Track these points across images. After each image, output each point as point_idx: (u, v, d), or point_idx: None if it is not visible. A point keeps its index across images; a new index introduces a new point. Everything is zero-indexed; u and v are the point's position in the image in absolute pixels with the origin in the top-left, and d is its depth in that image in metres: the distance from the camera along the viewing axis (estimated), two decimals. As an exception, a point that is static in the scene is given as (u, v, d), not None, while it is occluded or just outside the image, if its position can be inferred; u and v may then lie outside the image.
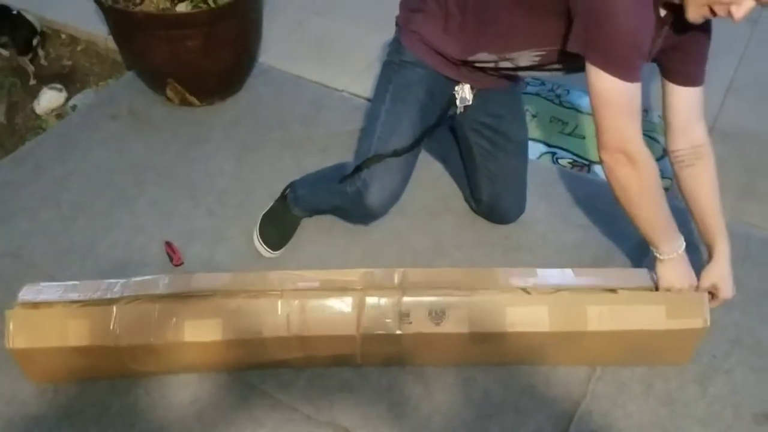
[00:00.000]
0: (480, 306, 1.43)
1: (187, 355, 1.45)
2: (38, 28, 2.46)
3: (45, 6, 2.65)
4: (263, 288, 1.44)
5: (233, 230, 1.86)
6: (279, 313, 1.41)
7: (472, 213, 1.91)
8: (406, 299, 1.42)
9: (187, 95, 2.21)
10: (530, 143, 1.86)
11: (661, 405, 1.48)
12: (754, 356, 1.57)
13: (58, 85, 2.36)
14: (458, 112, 1.66)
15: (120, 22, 2.11)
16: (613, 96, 1.26)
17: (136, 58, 2.22)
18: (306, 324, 1.41)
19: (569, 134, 2.21)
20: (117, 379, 1.50)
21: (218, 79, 2.23)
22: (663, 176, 1.99)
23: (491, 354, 1.50)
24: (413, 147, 1.57)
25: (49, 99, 2.32)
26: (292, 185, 1.81)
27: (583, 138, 2.19)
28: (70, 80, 2.44)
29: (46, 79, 2.43)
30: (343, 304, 1.42)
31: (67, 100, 2.35)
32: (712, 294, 1.47)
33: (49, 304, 1.44)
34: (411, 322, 1.41)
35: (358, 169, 1.55)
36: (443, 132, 1.90)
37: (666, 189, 1.97)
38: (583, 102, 2.30)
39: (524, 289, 1.44)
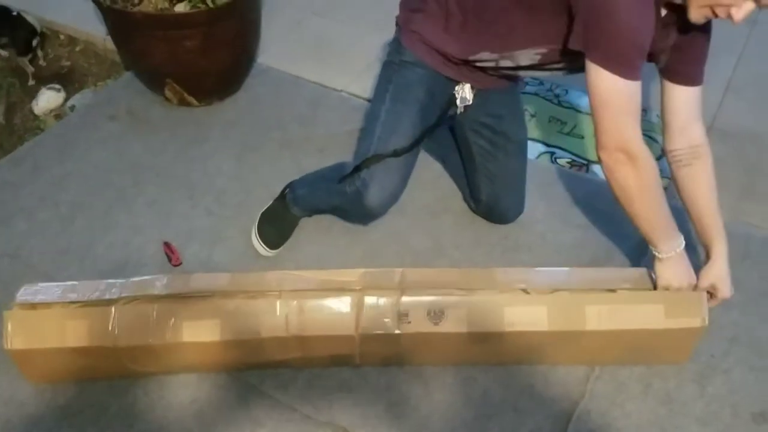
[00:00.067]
0: (479, 306, 1.43)
1: (186, 355, 1.45)
2: (38, 29, 2.46)
3: (44, 7, 2.65)
4: (262, 288, 1.44)
5: (232, 230, 1.86)
6: (277, 313, 1.41)
7: (471, 213, 1.91)
8: (404, 299, 1.42)
9: (186, 95, 2.21)
10: (529, 143, 1.86)
11: (659, 404, 1.48)
12: (753, 355, 1.57)
13: (57, 86, 2.36)
14: (458, 112, 1.66)
15: (118, 22, 2.11)
16: (613, 95, 1.26)
17: (134, 58, 2.22)
18: (304, 324, 1.41)
19: (568, 134, 2.21)
20: (115, 379, 1.50)
21: (217, 79, 2.23)
22: (663, 176, 2.00)
23: (490, 354, 1.50)
24: (413, 147, 1.57)
25: (47, 99, 2.32)
26: (291, 185, 1.81)
27: (582, 138, 2.19)
28: (68, 81, 2.44)
29: (44, 79, 2.43)
30: (341, 304, 1.42)
31: (66, 100, 2.35)
32: (711, 294, 1.47)
33: (47, 304, 1.43)
34: (410, 322, 1.41)
35: (357, 169, 1.55)
36: (442, 132, 1.90)
37: (664, 188, 1.98)
38: (582, 102, 2.30)
39: (523, 289, 1.44)
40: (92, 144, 2.14)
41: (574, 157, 2.12)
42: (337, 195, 1.62)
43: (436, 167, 2.03)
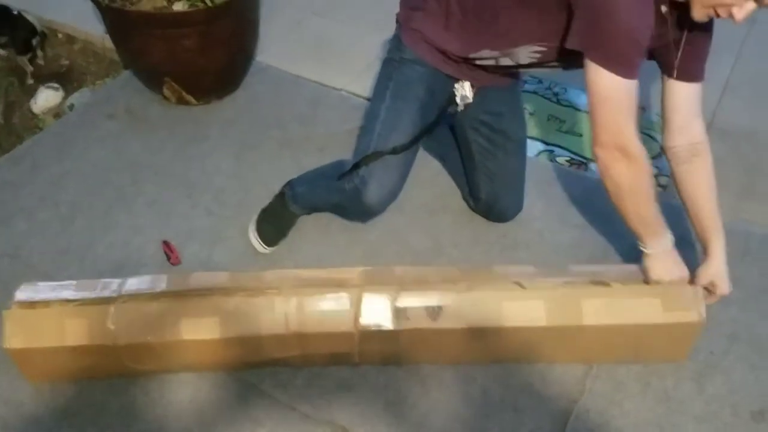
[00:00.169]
0: (476, 301, 1.43)
1: (185, 353, 1.45)
2: (38, 29, 2.46)
3: (44, 6, 2.65)
4: (261, 286, 1.44)
5: (231, 230, 1.86)
6: (277, 310, 1.41)
7: (469, 211, 1.91)
8: (403, 296, 1.42)
9: (184, 94, 2.20)
10: (528, 141, 1.86)
11: (658, 403, 1.48)
12: (753, 353, 1.58)
13: (55, 85, 2.36)
14: (458, 110, 1.66)
15: (117, 21, 2.11)
16: (611, 93, 1.27)
17: (132, 57, 2.22)
18: (304, 321, 1.41)
19: (567, 132, 2.21)
20: (115, 378, 1.50)
21: (215, 78, 2.23)
22: (662, 174, 2.01)
23: (488, 351, 1.50)
24: (412, 145, 1.57)
25: (46, 98, 2.32)
26: (290, 183, 1.81)
27: (581, 136, 2.19)
28: (67, 79, 2.44)
29: (43, 78, 2.43)
30: (340, 302, 1.42)
31: (64, 99, 2.35)
32: (710, 291, 1.47)
33: (45, 303, 1.44)
34: (408, 319, 1.42)
35: (356, 166, 1.55)
36: (442, 130, 1.90)
37: (664, 187, 1.99)
38: (581, 100, 2.30)
39: (519, 284, 1.44)
40: (91, 143, 2.14)
41: (572, 156, 2.12)
42: (336, 192, 1.62)
43: (435, 165, 2.03)
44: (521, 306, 1.44)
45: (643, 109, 2.25)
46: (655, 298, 1.43)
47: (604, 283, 1.48)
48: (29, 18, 2.45)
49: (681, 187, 1.50)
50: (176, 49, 2.05)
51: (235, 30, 2.15)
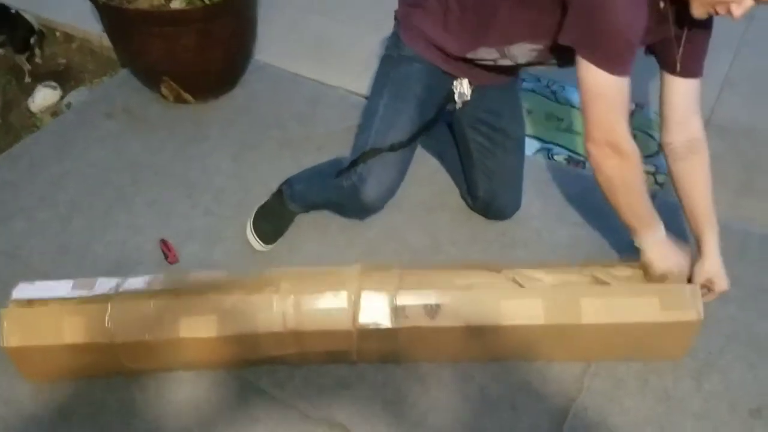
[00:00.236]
0: (475, 299, 1.43)
1: (183, 351, 1.45)
2: (36, 28, 2.46)
3: (42, 5, 2.64)
4: (258, 283, 1.44)
5: (231, 230, 1.86)
6: (274, 308, 1.41)
7: (467, 209, 1.91)
8: (401, 294, 1.42)
9: (182, 92, 2.20)
10: (526, 139, 1.87)
11: (656, 400, 1.48)
12: (751, 352, 1.58)
13: (53, 83, 2.36)
14: (457, 107, 1.66)
15: (114, 19, 2.10)
16: (603, 90, 1.27)
17: (130, 55, 2.22)
18: (302, 319, 1.41)
19: (565, 130, 2.20)
20: (113, 377, 1.50)
21: (213, 76, 2.22)
22: (660, 172, 2.01)
23: (487, 349, 1.50)
24: (410, 142, 1.57)
25: (43, 97, 2.32)
26: (288, 181, 1.81)
27: (579, 134, 2.19)
28: (64, 78, 2.44)
29: (40, 76, 2.42)
30: (338, 300, 1.42)
31: (62, 98, 2.34)
32: (708, 288, 1.47)
33: (43, 302, 1.44)
34: (407, 317, 1.42)
35: (354, 163, 1.55)
36: (440, 128, 1.90)
37: (661, 185, 1.98)
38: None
39: (518, 283, 1.44)
40: (89, 142, 2.14)
41: (570, 154, 2.12)
42: (334, 190, 1.62)
43: (433, 163, 2.03)
44: (520, 304, 1.43)
45: (641, 106, 2.25)
46: (654, 297, 1.43)
47: (602, 282, 1.48)
48: (27, 17, 2.45)
49: (677, 184, 1.51)
50: (174, 47, 2.05)
51: (233, 28, 2.15)
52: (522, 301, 1.44)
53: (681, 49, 1.39)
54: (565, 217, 1.90)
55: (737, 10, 1.19)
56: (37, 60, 2.50)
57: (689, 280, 1.49)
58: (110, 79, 2.41)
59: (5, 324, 1.40)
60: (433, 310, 1.42)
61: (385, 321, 1.42)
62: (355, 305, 1.42)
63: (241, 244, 1.81)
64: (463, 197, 1.92)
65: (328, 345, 1.47)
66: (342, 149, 1.92)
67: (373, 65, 1.66)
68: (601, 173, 1.35)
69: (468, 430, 1.44)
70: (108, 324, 1.40)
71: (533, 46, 1.43)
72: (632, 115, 2.22)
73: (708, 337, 1.55)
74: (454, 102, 1.64)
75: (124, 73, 2.38)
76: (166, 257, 1.77)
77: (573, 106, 2.29)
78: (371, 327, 1.42)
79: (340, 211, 1.82)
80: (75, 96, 2.34)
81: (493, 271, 1.51)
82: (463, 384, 1.51)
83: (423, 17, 1.53)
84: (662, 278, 1.44)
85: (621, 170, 1.33)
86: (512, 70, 1.63)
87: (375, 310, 1.42)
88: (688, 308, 1.43)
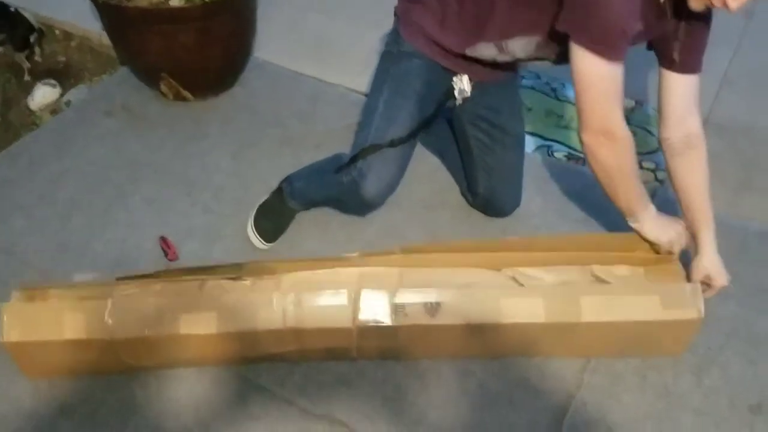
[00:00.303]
0: (475, 298, 1.43)
1: (182, 348, 1.45)
2: (35, 26, 2.46)
3: (41, 3, 2.64)
4: (260, 273, 1.44)
5: (230, 228, 1.86)
6: (274, 305, 1.41)
7: (467, 206, 1.91)
8: (401, 292, 1.42)
9: (181, 90, 2.20)
10: (526, 136, 1.87)
11: (656, 396, 1.49)
12: (751, 348, 1.58)
13: (52, 81, 2.36)
14: (457, 104, 1.66)
15: (114, 17, 2.10)
16: (596, 77, 1.28)
17: (129, 53, 2.22)
18: (302, 317, 1.41)
19: (565, 127, 2.21)
20: (113, 375, 1.50)
21: (212, 74, 2.22)
22: (660, 169, 2.01)
23: (486, 346, 1.50)
24: (410, 138, 1.57)
25: (43, 95, 2.32)
26: (288, 178, 1.81)
27: (579, 131, 2.18)
28: (64, 76, 2.44)
29: (40, 74, 2.42)
30: (338, 297, 1.42)
31: (61, 95, 2.34)
32: (708, 284, 1.47)
33: (44, 297, 1.44)
34: (407, 315, 1.42)
35: (354, 159, 1.55)
36: (440, 125, 1.90)
37: (661, 182, 1.99)
38: (579, 95, 2.30)
39: (517, 281, 1.44)
40: (88, 140, 2.14)
41: (570, 151, 2.12)
42: (335, 186, 1.62)
43: (433, 161, 2.03)
44: (520, 303, 1.43)
45: (640, 103, 2.25)
46: (654, 295, 1.43)
47: (603, 281, 1.48)
48: (26, 15, 2.44)
49: (675, 179, 1.51)
50: (173, 45, 2.05)
51: (232, 26, 2.15)
52: (522, 299, 1.44)
53: (679, 44, 1.39)
54: (564, 214, 1.90)
55: (733, 3, 1.19)
56: (37, 58, 2.50)
57: (688, 279, 1.49)
58: (110, 77, 2.41)
59: (5, 318, 1.40)
60: (433, 308, 1.42)
61: (385, 319, 1.42)
62: (355, 303, 1.42)
63: (240, 242, 1.81)
64: (463, 194, 1.92)
65: (328, 342, 1.47)
66: (342, 147, 1.92)
67: (373, 63, 1.66)
68: (596, 161, 1.36)
69: (467, 426, 1.44)
70: (108, 320, 1.40)
71: (531, 40, 1.43)
72: (632, 111, 2.22)
73: (708, 333, 1.55)
74: (454, 98, 1.64)
75: (123, 71, 2.38)
76: (166, 255, 1.77)
77: (572, 104, 2.25)
78: (371, 324, 1.42)
79: (341, 207, 1.82)
80: (74, 94, 2.34)
81: (493, 269, 1.51)
82: (462, 380, 1.51)
83: (422, 13, 1.54)
84: (669, 247, 1.46)
85: (616, 157, 1.35)
86: (512, 67, 1.63)
87: (375, 308, 1.42)
88: (689, 306, 1.43)
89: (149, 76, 2.22)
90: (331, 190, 1.68)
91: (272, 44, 2.46)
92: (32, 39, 2.45)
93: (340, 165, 1.59)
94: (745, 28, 2.58)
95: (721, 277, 1.47)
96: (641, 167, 2.03)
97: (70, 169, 2.04)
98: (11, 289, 1.46)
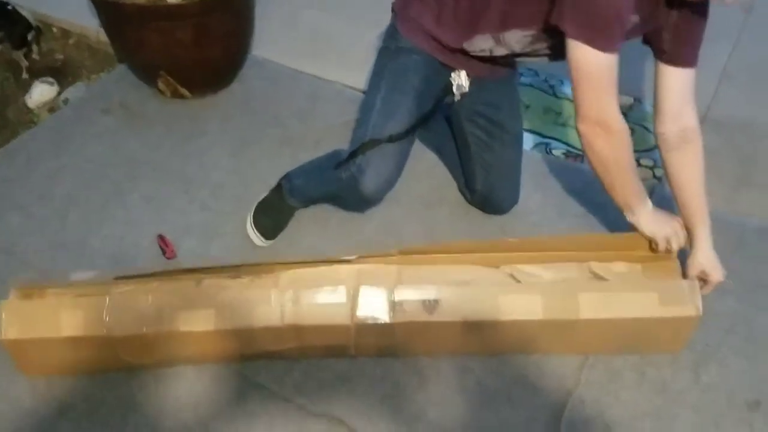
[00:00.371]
0: (473, 295, 1.43)
1: (181, 345, 1.45)
2: (33, 24, 2.46)
3: (38, 0, 2.63)
4: (257, 270, 1.44)
5: (229, 225, 1.85)
6: (273, 302, 1.41)
7: (465, 203, 1.91)
8: (399, 289, 1.42)
9: (179, 87, 2.20)
10: (524, 134, 1.87)
11: (654, 393, 1.49)
12: (749, 345, 1.58)
13: (50, 79, 2.35)
14: (455, 99, 1.66)
15: (111, 14, 2.10)
16: (592, 68, 1.28)
17: (127, 50, 2.21)
18: (300, 314, 1.41)
19: (563, 125, 2.20)
20: (111, 372, 1.50)
21: (210, 71, 2.22)
22: (658, 166, 2.01)
23: (484, 343, 1.50)
24: (409, 133, 1.57)
25: (40, 92, 2.31)
26: (287, 175, 1.81)
27: (577, 128, 2.18)
28: (62, 74, 2.43)
29: (38, 72, 2.42)
30: (337, 294, 1.42)
31: (59, 93, 2.34)
32: (704, 280, 1.47)
33: (42, 294, 1.44)
34: (405, 312, 1.42)
35: (353, 155, 1.55)
36: (438, 122, 1.90)
37: (659, 179, 1.99)
38: (577, 92, 2.30)
39: (515, 278, 1.44)
40: (87, 138, 2.13)
41: (569, 148, 2.11)
42: (334, 182, 1.61)
43: (431, 157, 2.03)
44: (518, 300, 1.43)
45: (638, 100, 2.24)
46: (652, 292, 1.43)
47: (600, 278, 1.48)
48: (24, 13, 2.44)
49: (670, 174, 1.51)
50: (171, 42, 2.04)
51: (230, 23, 2.15)
52: (520, 296, 1.44)
53: (674, 38, 1.39)
54: (563, 211, 1.90)
55: None
56: (34, 56, 2.49)
57: (684, 275, 1.49)
58: (107, 74, 2.41)
59: (3, 316, 1.40)
60: (431, 306, 1.42)
61: (383, 316, 1.42)
62: (353, 300, 1.42)
63: (238, 240, 1.81)
64: (461, 191, 1.92)
65: (327, 339, 1.47)
66: (341, 144, 1.92)
67: (372, 60, 1.66)
68: (593, 152, 1.37)
69: (466, 423, 1.45)
70: (106, 317, 1.40)
71: (527, 32, 1.42)
72: (630, 108, 2.22)
73: (706, 329, 1.54)
74: (452, 94, 1.64)
75: (121, 68, 2.38)
76: (164, 253, 1.77)
77: (571, 101, 2.27)
78: (369, 322, 1.42)
79: (340, 203, 1.82)
80: (72, 92, 2.34)
81: (491, 266, 1.51)
82: (461, 377, 1.51)
83: (420, 9, 1.54)
84: (666, 244, 1.46)
85: (612, 149, 1.35)
86: (510, 63, 1.63)
87: (373, 305, 1.42)
88: (687, 303, 1.43)
89: (147, 73, 2.22)
90: (330, 187, 1.68)
91: (270, 42, 2.46)
92: (30, 37, 2.45)
93: (338, 161, 1.59)
94: (744, 23, 2.57)
95: (716, 272, 1.47)
96: (639, 164, 2.03)
97: (67, 167, 2.04)
98: (9, 287, 1.46)
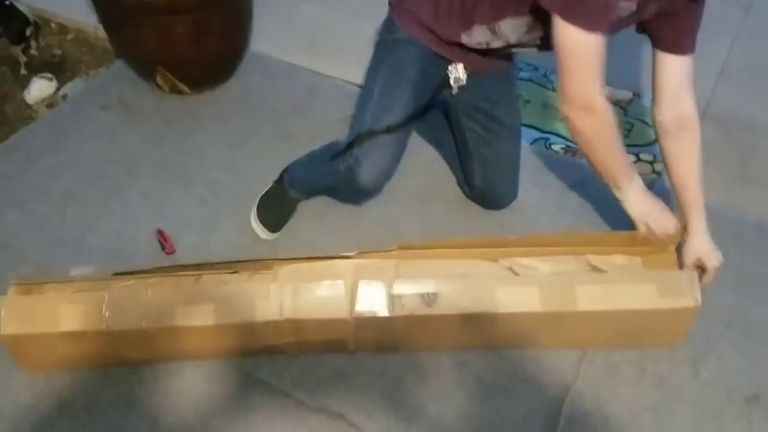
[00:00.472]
0: (471, 288, 1.43)
1: (179, 340, 1.45)
2: (31, 19, 2.45)
3: (36, -4, 2.63)
4: (255, 266, 1.44)
5: (227, 220, 1.85)
6: (272, 297, 1.41)
7: (464, 198, 1.91)
8: (398, 283, 1.42)
9: (177, 83, 2.19)
10: (523, 129, 1.86)
11: (653, 387, 1.49)
12: (747, 339, 1.58)
13: (49, 75, 2.35)
14: (453, 93, 1.66)
15: (109, 9, 2.09)
16: (578, 49, 1.28)
17: (125, 46, 2.21)
18: (299, 308, 1.41)
19: (562, 120, 2.20)
20: (110, 368, 1.50)
21: (208, 66, 2.21)
22: (657, 160, 2.01)
23: (484, 337, 1.50)
24: (406, 125, 1.56)
25: (39, 88, 2.31)
26: (288, 168, 1.81)
27: (576, 124, 2.18)
28: (60, 69, 2.43)
29: (36, 68, 2.41)
30: (336, 289, 1.42)
31: (58, 89, 2.33)
32: (702, 269, 1.47)
33: (41, 290, 1.44)
34: (403, 306, 1.42)
35: (350, 146, 1.55)
36: (436, 117, 1.90)
37: (659, 173, 1.99)
38: (576, 88, 2.29)
39: (513, 271, 1.44)
40: (85, 134, 2.13)
41: (568, 143, 2.11)
42: (331, 174, 1.62)
43: (429, 153, 2.03)
44: (516, 293, 1.43)
45: (636, 95, 2.24)
46: (651, 283, 1.43)
47: (599, 270, 1.48)
48: (21, 8, 2.43)
49: (668, 161, 1.51)
50: (168, 37, 2.04)
51: (228, 18, 2.14)
52: (518, 289, 1.44)
53: (670, 24, 1.39)
54: (562, 206, 1.90)
55: None
56: (33, 51, 2.49)
57: (680, 265, 1.49)
58: (106, 70, 2.40)
59: (2, 312, 1.40)
60: (429, 299, 1.42)
61: (382, 310, 1.42)
62: (352, 294, 1.42)
63: (237, 234, 1.81)
64: (460, 186, 1.92)
65: (326, 334, 1.47)
66: (337, 138, 1.92)
67: (369, 53, 1.66)
68: (578, 134, 1.37)
69: (465, 418, 1.45)
70: (105, 312, 1.40)
71: (521, 20, 1.42)
72: (629, 103, 2.21)
73: (704, 324, 1.55)
74: (450, 87, 1.64)
75: (119, 64, 2.37)
76: (163, 248, 1.77)
77: (570, 96, 2.28)
78: (368, 316, 1.42)
79: (337, 195, 1.82)
80: (70, 87, 2.33)
81: (489, 259, 1.52)
82: (459, 372, 1.52)
83: (417, 1, 1.54)
84: (646, 228, 1.45)
85: (597, 129, 1.36)
86: (506, 56, 1.63)
87: (372, 299, 1.42)
88: (686, 295, 1.43)
89: (145, 69, 2.21)
90: (327, 178, 1.68)
91: (269, 37, 2.45)
92: (28, 32, 2.44)
93: (336, 152, 1.59)
94: (743, 21, 2.57)
95: (713, 258, 1.46)
96: (639, 159, 2.03)
97: (66, 163, 2.03)
98: (8, 283, 1.46)
